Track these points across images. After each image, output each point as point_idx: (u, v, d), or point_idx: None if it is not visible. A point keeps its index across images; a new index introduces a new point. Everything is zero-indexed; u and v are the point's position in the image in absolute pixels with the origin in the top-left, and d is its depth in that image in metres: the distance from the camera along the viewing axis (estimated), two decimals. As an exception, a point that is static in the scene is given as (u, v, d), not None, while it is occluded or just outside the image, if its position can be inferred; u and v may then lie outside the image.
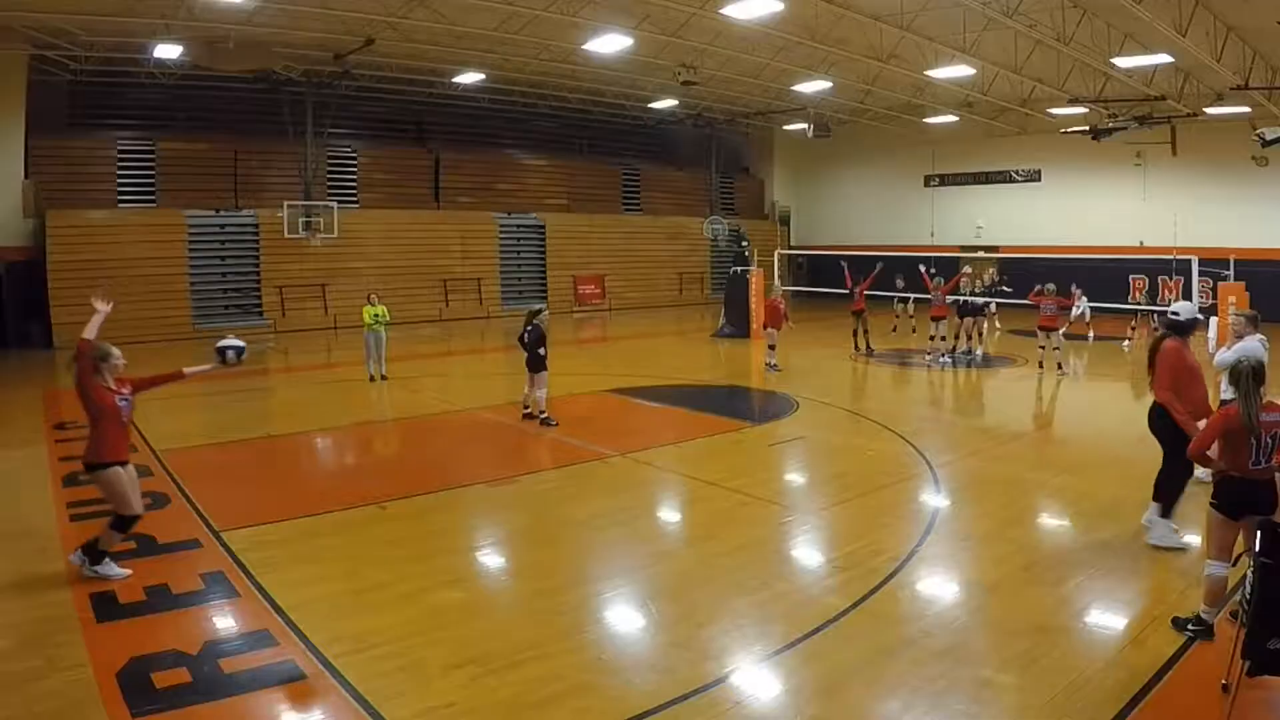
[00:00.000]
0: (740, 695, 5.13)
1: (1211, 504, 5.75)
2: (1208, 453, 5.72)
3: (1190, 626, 5.70)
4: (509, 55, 23.85)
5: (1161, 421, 7.23)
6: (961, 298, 19.47)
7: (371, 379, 16.74)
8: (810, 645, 5.72)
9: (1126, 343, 22.02)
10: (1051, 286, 17.44)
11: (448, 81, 27.25)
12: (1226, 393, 8.22)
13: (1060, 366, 17.32)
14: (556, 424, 12.56)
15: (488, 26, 20.24)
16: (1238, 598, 6.10)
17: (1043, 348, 17.40)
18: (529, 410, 12.98)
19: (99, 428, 6.87)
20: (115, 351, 6.99)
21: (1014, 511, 8.66)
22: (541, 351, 12.51)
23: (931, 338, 19.07)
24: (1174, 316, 7.52)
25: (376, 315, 16.54)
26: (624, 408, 14.08)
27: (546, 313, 13.00)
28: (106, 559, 6.83)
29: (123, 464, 6.97)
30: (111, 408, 6.88)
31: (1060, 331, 17.80)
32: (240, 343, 7.59)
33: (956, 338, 19.69)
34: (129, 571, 6.87)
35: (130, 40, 21.16)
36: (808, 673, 5.40)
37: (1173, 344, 7.28)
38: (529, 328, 12.56)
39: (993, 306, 22.20)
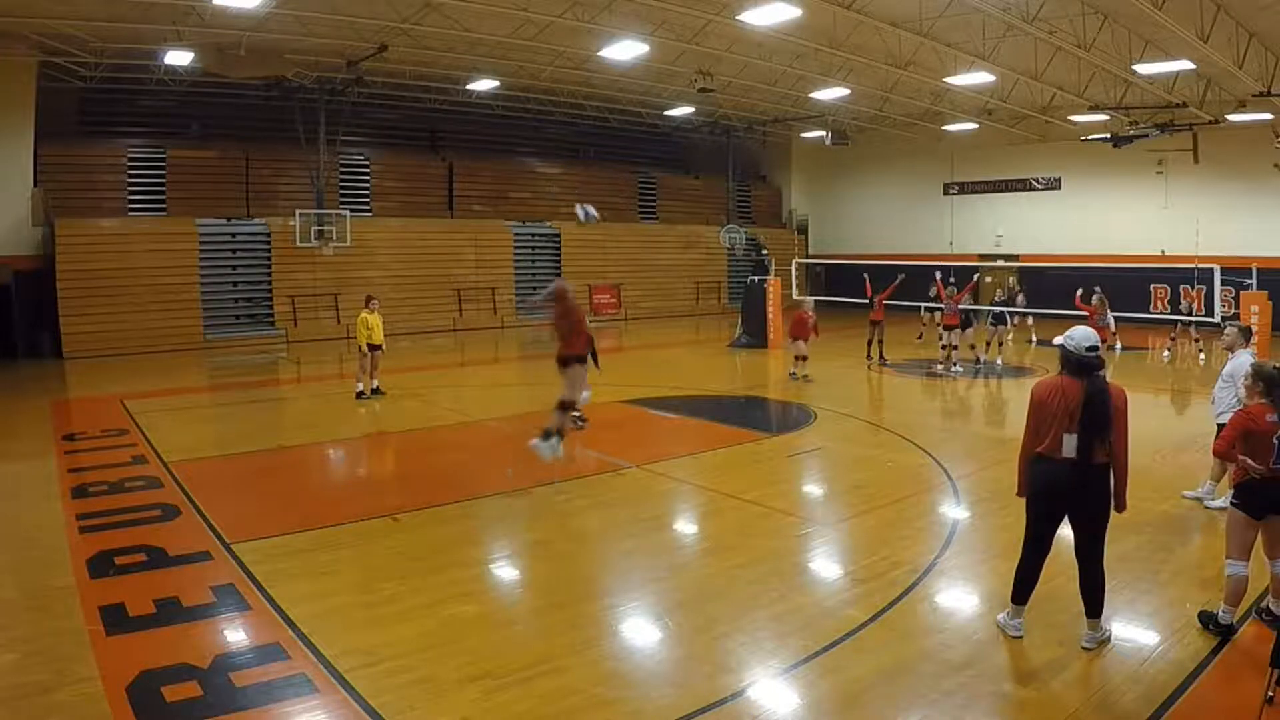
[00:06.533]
0: (758, 709, 5.05)
1: (1233, 503, 5.80)
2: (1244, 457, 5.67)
3: (1210, 626, 5.77)
4: (523, 62, 23.87)
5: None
6: (976, 307, 19.34)
7: (360, 395, 15.69)
8: (828, 658, 5.63)
9: (1166, 353, 21.81)
10: (1098, 296, 16.85)
11: (461, 88, 27.36)
12: (1222, 409, 8.13)
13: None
14: (587, 423, 12.89)
15: (501, 33, 20.26)
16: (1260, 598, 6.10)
17: None
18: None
19: (573, 335, 9.82)
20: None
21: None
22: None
23: (943, 346, 19.00)
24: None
25: (369, 330, 15.36)
26: (640, 418, 13.99)
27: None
28: (555, 437, 9.49)
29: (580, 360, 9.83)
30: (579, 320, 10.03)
31: (1112, 346, 17.08)
32: (595, 212, 8.74)
33: (972, 347, 19.56)
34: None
35: (141, 47, 21.26)
36: (826, 686, 5.31)
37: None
38: None
39: (1005, 316, 21.89)
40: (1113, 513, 5.62)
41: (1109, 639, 5.76)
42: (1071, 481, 5.52)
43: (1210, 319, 20.07)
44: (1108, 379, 5.67)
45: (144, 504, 9.16)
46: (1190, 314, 22.17)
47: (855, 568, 7.39)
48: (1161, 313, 26.86)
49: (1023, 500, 5.88)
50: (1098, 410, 5.44)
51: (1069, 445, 5.48)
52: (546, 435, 9.72)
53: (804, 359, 17.68)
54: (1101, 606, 5.71)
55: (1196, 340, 22.21)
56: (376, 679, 5.33)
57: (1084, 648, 5.68)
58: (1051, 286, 24.43)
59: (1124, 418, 5.52)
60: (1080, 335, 5.66)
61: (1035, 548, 5.82)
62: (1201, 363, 20.66)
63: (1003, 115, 28.44)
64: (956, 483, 9.98)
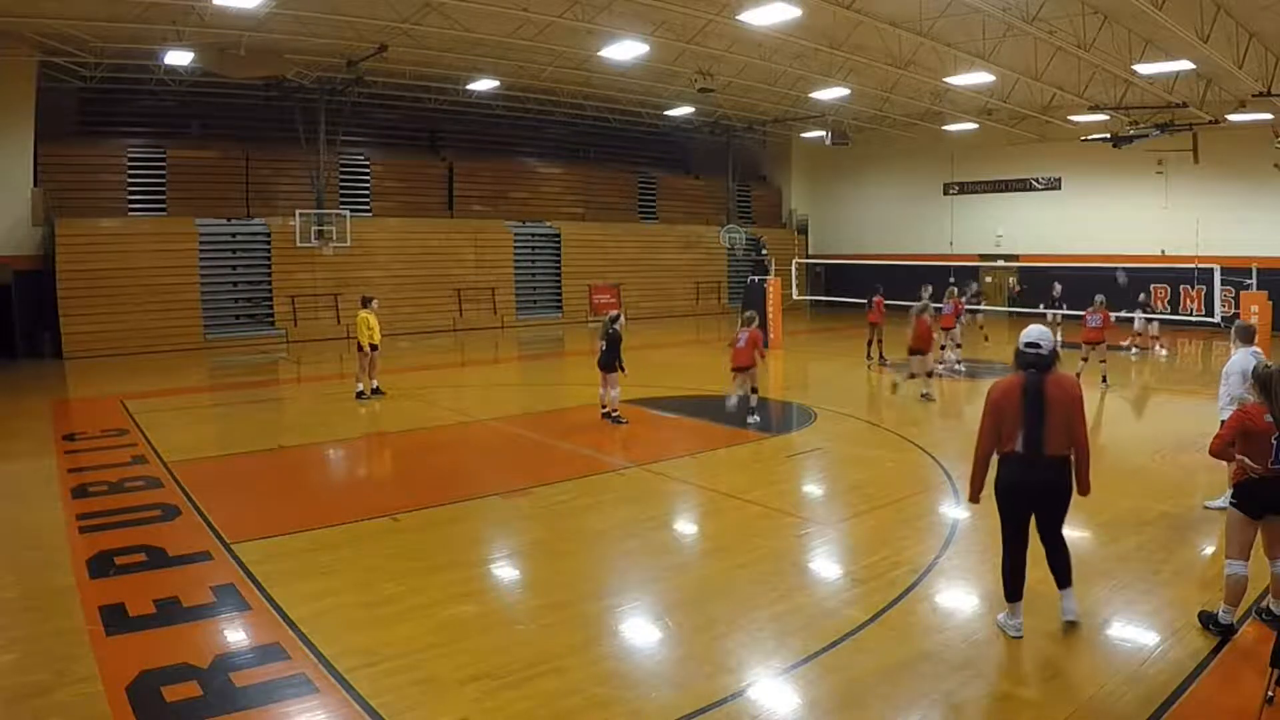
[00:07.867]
0: (758, 709, 5.05)
1: (1232, 503, 5.81)
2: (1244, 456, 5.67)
3: (1210, 626, 5.78)
4: (523, 62, 23.86)
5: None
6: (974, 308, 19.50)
7: (360, 395, 15.79)
8: (828, 658, 5.63)
9: (1128, 348, 21.74)
10: (1101, 298, 16.95)
11: (461, 88, 27.30)
12: (1221, 405, 8.11)
13: (1104, 379, 16.62)
14: (627, 422, 13.31)
15: (501, 33, 20.25)
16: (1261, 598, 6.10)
17: (1085, 360, 16.53)
18: (606, 409, 13.62)
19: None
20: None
21: (1034, 523, 8.47)
22: (615, 353, 13.35)
23: (943, 347, 19.02)
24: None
25: (370, 330, 15.43)
26: (640, 418, 13.97)
27: (623, 319, 13.94)
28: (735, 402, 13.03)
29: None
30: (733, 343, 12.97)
31: (1105, 345, 17.11)
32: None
33: (943, 347, 19.55)
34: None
35: (141, 47, 21.22)
36: (826, 686, 5.31)
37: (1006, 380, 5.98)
38: (610, 332, 13.30)
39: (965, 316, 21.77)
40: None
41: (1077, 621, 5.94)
42: (1030, 475, 5.78)
43: (1210, 319, 20.05)
44: (1052, 372, 5.82)
45: (144, 504, 9.17)
46: (1149, 314, 22.28)
47: (855, 568, 7.39)
48: (1161, 313, 26.81)
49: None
50: (1030, 403, 5.68)
51: (1020, 440, 5.74)
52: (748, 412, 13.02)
53: (929, 375, 15.97)
54: (1070, 576, 5.98)
55: (1156, 338, 22.08)
56: (376, 679, 5.32)
57: (1067, 621, 5.91)
58: (1046, 286, 24.43)
59: (1079, 406, 5.77)
60: (1024, 332, 5.94)
61: (1013, 542, 6.00)
62: (1163, 360, 20.54)
63: (1003, 115, 28.43)
64: (956, 483, 9.94)
